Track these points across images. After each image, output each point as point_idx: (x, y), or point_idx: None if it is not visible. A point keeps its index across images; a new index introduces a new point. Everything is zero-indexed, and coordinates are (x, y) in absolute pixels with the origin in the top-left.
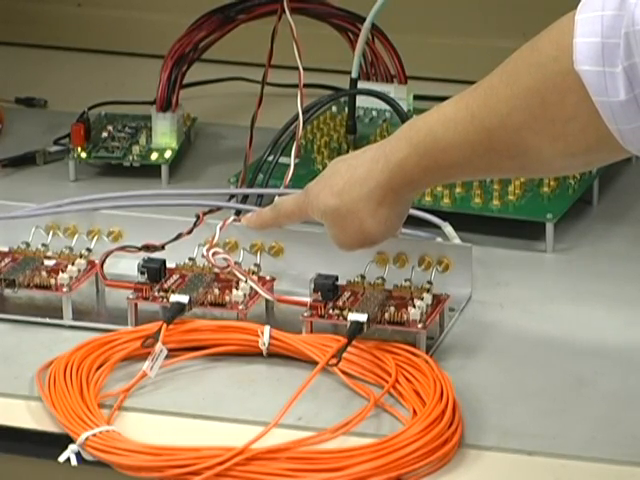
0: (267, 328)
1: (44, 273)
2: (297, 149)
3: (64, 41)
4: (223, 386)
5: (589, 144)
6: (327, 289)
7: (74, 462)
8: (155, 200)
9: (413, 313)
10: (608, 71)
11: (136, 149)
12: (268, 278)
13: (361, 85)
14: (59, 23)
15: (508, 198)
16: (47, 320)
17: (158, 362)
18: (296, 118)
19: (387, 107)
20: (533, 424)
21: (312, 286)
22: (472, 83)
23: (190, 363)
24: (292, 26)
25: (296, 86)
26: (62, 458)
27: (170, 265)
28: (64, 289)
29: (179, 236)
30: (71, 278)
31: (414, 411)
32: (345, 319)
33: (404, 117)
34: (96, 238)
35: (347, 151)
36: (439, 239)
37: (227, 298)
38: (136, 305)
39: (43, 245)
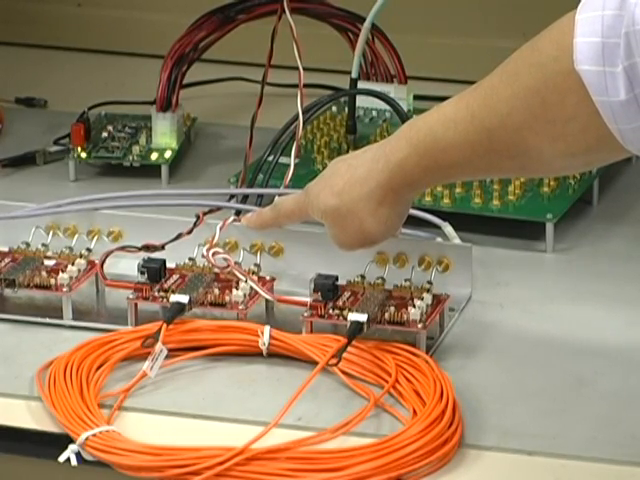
0: (267, 328)
1: (44, 273)
2: (297, 149)
3: (64, 41)
4: (223, 386)
5: (589, 144)
6: (327, 289)
7: (74, 462)
8: (155, 200)
9: (413, 313)
10: (608, 71)
11: (136, 149)
12: (268, 278)
13: (361, 85)
14: (59, 23)
15: (508, 198)
16: (47, 320)
17: (158, 362)
18: (296, 118)
19: (387, 107)
20: (533, 424)
21: (312, 286)
22: (472, 83)
23: (190, 363)
24: (292, 26)
25: (296, 86)
26: (62, 458)
27: (170, 265)
28: (64, 289)
29: (179, 236)
30: (71, 278)
31: (414, 411)
32: (345, 319)
33: (404, 117)
34: (96, 238)
35: (347, 151)
36: (439, 239)
37: (227, 298)
38: (136, 305)
39: (43, 245)
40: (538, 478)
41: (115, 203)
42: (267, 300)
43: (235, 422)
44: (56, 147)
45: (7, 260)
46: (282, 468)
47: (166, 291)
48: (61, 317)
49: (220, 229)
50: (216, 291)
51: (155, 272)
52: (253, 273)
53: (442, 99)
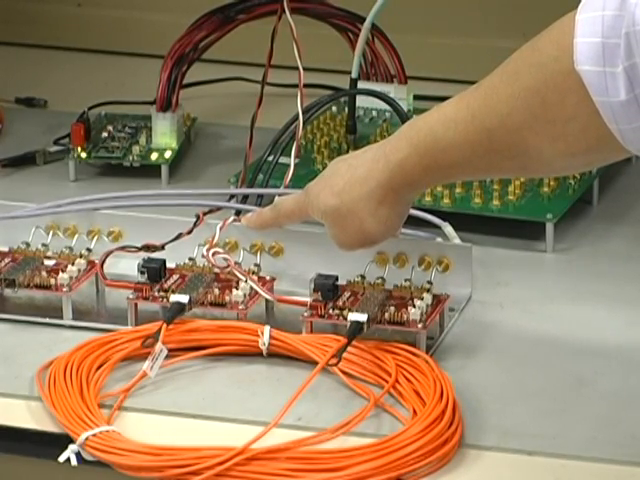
0: (267, 328)
1: (44, 273)
2: (297, 149)
3: (64, 41)
4: (223, 386)
5: (589, 144)
6: (327, 289)
7: (74, 462)
8: (155, 200)
9: (413, 313)
10: (608, 71)
11: (136, 149)
12: (268, 278)
13: (361, 85)
14: (59, 23)
15: (508, 198)
16: (47, 320)
17: (158, 362)
18: (296, 118)
19: (387, 107)
20: (533, 424)
21: (312, 286)
22: (472, 83)
23: (190, 363)
24: (292, 26)
25: (296, 86)
26: (62, 458)
27: (170, 265)
28: (64, 289)
29: (179, 236)
30: (71, 278)
31: (414, 411)
32: (345, 319)
33: (404, 117)
34: (96, 238)
35: (347, 151)
36: (439, 239)
37: (227, 298)
38: (136, 305)
39: (43, 245)
40: (538, 478)
41: (115, 203)
42: (267, 300)
43: (235, 422)
44: (56, 147)
45: (7, 260)
46: (282, 468)
47: (166, 291)
48: (61, 317)
49: (220, 229)
50: (216, 291)
51: (155, 272)
52: (253, 273)
53: (442, 99)
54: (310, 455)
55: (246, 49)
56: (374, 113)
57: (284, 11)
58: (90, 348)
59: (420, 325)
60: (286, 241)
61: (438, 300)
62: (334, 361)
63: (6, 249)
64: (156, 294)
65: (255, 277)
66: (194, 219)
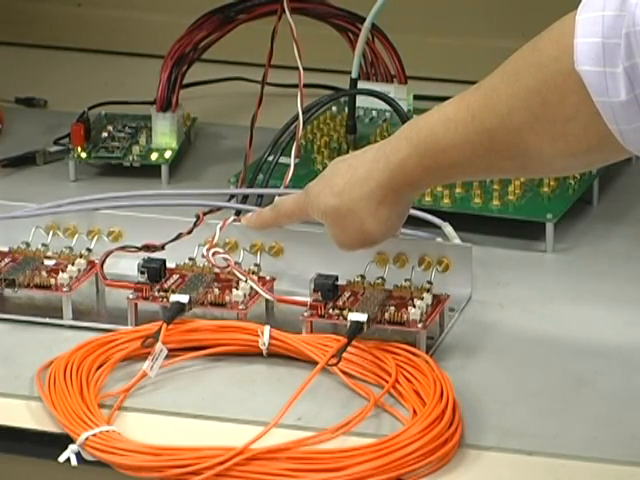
0: (267, 328)
1: (44, 273)
2: (297, 149)
3: (64, 41)
4: (223, 386)
5: (590, 144)
6: (327, 289)
7: (74, 462)
8: (155, 200)
9: (413, 313)
10: (609, 71)
11: (136, 149)
12: (268, 278)
13: (361, 85)
14: (59, 23)
15: (508, 198)
16: (47, 320)
17: (158, 362)
18: (296, 118)
19: (387, 107)
20: (533, 424)
21: (312, 286)
22: (472, 83)
23: (190, 363)
24: (292, 26)
25: (296, 86)
26: (62, 458)
27: (170, 265)
28: (64, 289)
29: (179, 236)
30: (71, 278)
31: (414, 411)
32: (345, 319)
33: (404, 117)
34: (96, 238)
35: (347, 151)
36: (439, 239)
37: (227, 298)
38: (136, 305)
39: (43, 245)
40: (538, 478)
41: (115, 203)
42: (267, 300)
43: (235, 422)
44: (56, 147)
45: (7, 260)
46: (282, 468)
47: (166, 291)
48: (61, 317)
49: (220, 229)
50: (216, 291)
51: (155, 272)
52: (253, 273)
53: (442, 99)
54: (310, 455)
55: (246, 49)
56: (374, 113)
57: (284, 11)
58: (90, 348)
59: (420, 325)
60: (286, 241)
61: (438, 300)
62: (334, 361)
63: (6, 249)
64: (156, 294)
65: (255, 277)
66: (194, 219)
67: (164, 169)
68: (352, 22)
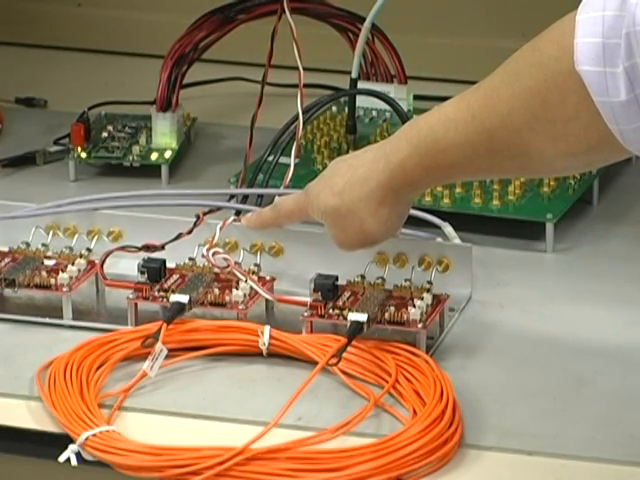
0: (267, 328)
1: (44, 273)
2: (297, 149)
3: (64, 41)
4: (223, 386)
5: (590, 144)
6: (327, 289)
7: (74, 462)
8: (155, 200)
9: (413, 313)
10: (609, 71)
11: (136, 149)
12: (268, 278)
13: (361, 85)
14: (59, 23)
15: (508, 198)
16: (47, 320)
17: (158, 362)
18: (296, 118)
19: (387, 107)
20: (533, 424)
21: (312, 286)
22: (472, 83)
23: (190, 363)
24: (292, 26)
25: (296, 86)
26: (62, 458)
27: (170, 265)
28: (64, 289)
29: (179, 236)
30: (71, 278)
31: (414, 411)
32: (345, 319)
33: (404, 117)
34: (96, 238)
35: (347, 151)
36: (439, 239)
37: (227, 298)
38: (136, 305)
39: (43, 245)
40: (538, 478)
41: (115, 203)
42: (267, 300)
43: (235, 422)
44: (56, 147)
45: (7, 260)
46: (282, 468)
47: (166, 291)
48: (61, 317)
49: (220, 229)
50: (216, 291)
51: (155, 272)
52: (253, 273)
53: (442, 99)
54: (310, 455)
55: (246, 49)
56: (374, 113)
57: (284, 11)
58: (90, 348)
59: (420, 325)
60: (286, 241)
61: (438, 300)
62: (334, 361)
63: (6, 249)
64: (156, 294)
65: (255, 277)
66: (194, 219)
67: (164, 169)
68: (352, 22)
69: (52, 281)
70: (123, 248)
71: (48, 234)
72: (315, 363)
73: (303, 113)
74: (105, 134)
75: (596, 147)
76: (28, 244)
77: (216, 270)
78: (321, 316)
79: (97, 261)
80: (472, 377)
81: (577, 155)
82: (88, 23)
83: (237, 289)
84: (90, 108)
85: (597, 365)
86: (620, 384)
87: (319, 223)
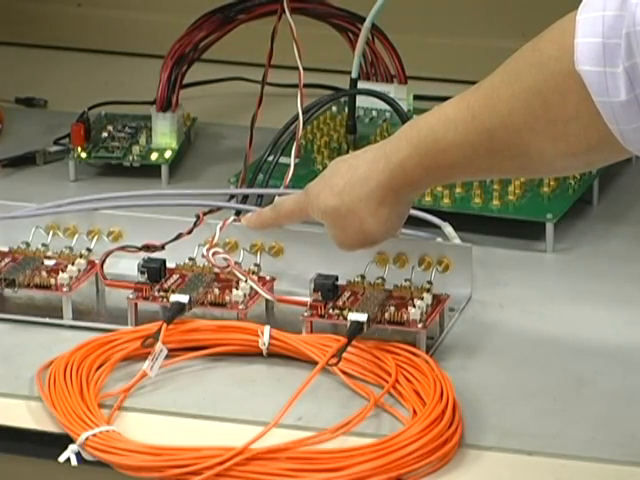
0: (267, 328)
1: (44, 273)
2: (297, 149)
3: (64, 41)
4: (223, 386)
5: (590, 144)
6: (327, 289)
7: (74, 462)
8: (155, 200)
9: (413, 313)
10: (609, 71)
11: (136, 149)
12: (268, 278)
13: (361, 85)
14: (59, 23)
15: (508, 198)
16: (47, 320)
17: (158, 362)
18: (296, 118)
19: (387, 107)
20: (533, 424)
21: (312, 286)
22: (472, 83)
23: (190, 363)
24: (292, 26)
25: (296, 86)
26: (62, 458)
27: (170, 265)
28: (64, 289)
29: (179, 236)
30: (71, 278)
31: (414, 411)
32: (345, 319)
33: (404, 117)
34: (96, 238)
35: (347, 151)
36: (439, 239)
37: (227, 298)
38: (136, 305)
39: (43, 245)
40: (538, 478)
41: (115, 203)
42: (267, 300)
43: (235, 422)
44: (56, 147)
45: (7, 260)
46: (282, 468)
47: (166, 291)
48: (61, 317)
49: (220, 229)
50: (216, 291)
51: (155, 272)
52: (253, 273)
53: (442, 99)
54: (310, 455)
55: (246, 49)
56: (374, 113)
57: (284, 11)
58: (90, 348)
59: (420, 325)
60: (286, 241)
61: (438, 300)
62: (334, 361)
63: (6, 249)
64: (156, 294)
65: (255, 277)
66: (194, 219)
67: (164, 169)
68: (352, 22)
69: (52, 281)
70: (123, 248)
71: (48, 234)
72: (315, 363)
73: (303, 113)
74: (105, 134)
75: (596, 147)
76: (28, 244)
77: (216, 270)
78: (321, 316)
79: (97, 261)
80: (472, 377)
81: (577, 155)
82: (88, 23)
83: (237, 289)
84: (90, 108)
85: (597, 365)
86: (620, 384)
87: (319, 223)
